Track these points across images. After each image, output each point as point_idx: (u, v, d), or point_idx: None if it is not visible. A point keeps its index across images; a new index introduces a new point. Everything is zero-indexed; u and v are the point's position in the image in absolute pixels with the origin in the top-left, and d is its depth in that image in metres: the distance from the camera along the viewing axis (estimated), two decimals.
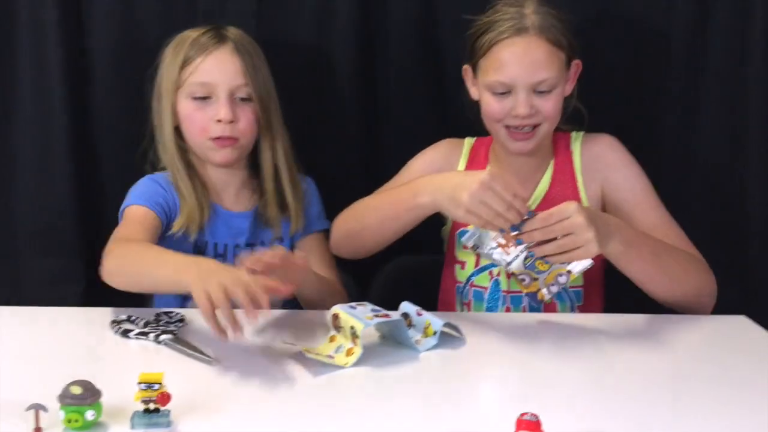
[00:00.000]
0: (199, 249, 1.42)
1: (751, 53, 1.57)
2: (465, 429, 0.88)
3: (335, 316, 1.12)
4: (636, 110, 1.63)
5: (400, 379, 1.05)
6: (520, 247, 1.14)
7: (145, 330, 1.16)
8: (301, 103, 1.59)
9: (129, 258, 1.23)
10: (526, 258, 1.14)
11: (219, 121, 1.37)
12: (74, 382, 0.86)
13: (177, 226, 1.38)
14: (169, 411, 0.88)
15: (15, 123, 1.62)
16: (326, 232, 1.50)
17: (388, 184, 1.45)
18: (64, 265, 1.63)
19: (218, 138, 1.38)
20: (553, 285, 1.15)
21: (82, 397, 0.85)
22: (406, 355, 1.11)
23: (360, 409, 0.95)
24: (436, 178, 1.25)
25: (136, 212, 1.38)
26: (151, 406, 0.87)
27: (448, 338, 1.15)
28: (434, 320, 1.14)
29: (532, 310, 1.39)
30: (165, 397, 0.86)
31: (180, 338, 1.13)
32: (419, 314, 1.16)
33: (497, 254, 1.17)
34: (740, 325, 1.26)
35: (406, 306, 1.17)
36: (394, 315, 1.14)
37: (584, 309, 1.41)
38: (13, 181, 1.63)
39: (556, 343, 1.20)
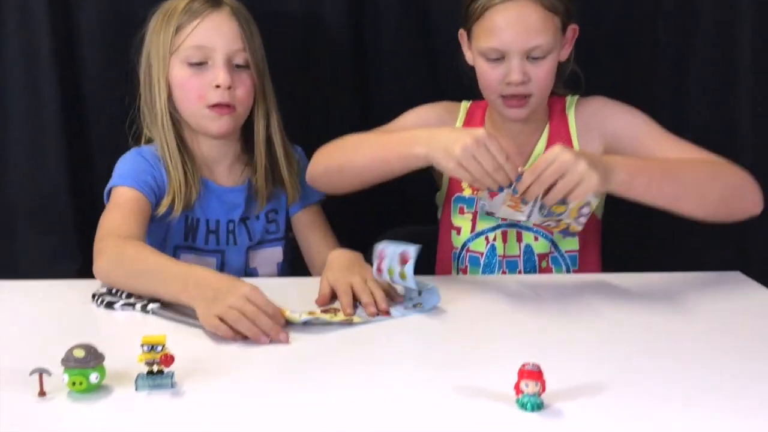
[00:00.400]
0: (190, 226, 1.41)
1: (743, 12, 1.57)
2: (468, 384, 0.89)
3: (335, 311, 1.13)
4: (628, 73, 1.64)
5: (402, 340, 1.06)
6: (530, 203, 1.13)
7: (130, 300, 1.15)
8: (292, 74, 1.59)
9: (124, 266, 1.19)
10: (540, 208, 1.14)
11: (217, 86, 1.33)
12: (77, 346, 0.86)
13: (164, 206, 1.35)
14: (172, 372, 0.88)
15: (4, 101, 1.61)
16: (321, 203, 1.50)
17: (377, 130, 1.42)
18: (59, 243, 1.63)
19: (216, 105, 1.34)
20: (579, 217, 1.14)
21: (86, 360, 0.85)
22: (407, 317, 1.12)
23: (363, 370, 0.96)
24: (434, 131, 1.23)
25: (125, 195, 1.33)
26: (155, 368, 0.87)
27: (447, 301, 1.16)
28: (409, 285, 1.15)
29: (528, 272, 1.40)
30: (168, 359, 0.87)
31: (167, 305, 1.13)
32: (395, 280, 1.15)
33: (512, 214, 1.17)
34: (735, 279, 1.28)
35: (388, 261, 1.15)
36: (394, 312, 1.14)
37: (580, 272, 1.42)
38: (5, 159, 1.62)
39: (553, 302, 1.21)
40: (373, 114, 1.68)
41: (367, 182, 1.32)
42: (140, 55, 1.41)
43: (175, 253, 1.41)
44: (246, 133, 1.46)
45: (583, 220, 1.15)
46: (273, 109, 1.44)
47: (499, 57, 1.31)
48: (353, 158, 1.32)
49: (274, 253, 1.48)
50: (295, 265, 1.53)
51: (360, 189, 1.34)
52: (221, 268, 1.43)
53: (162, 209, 1.35)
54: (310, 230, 1.48)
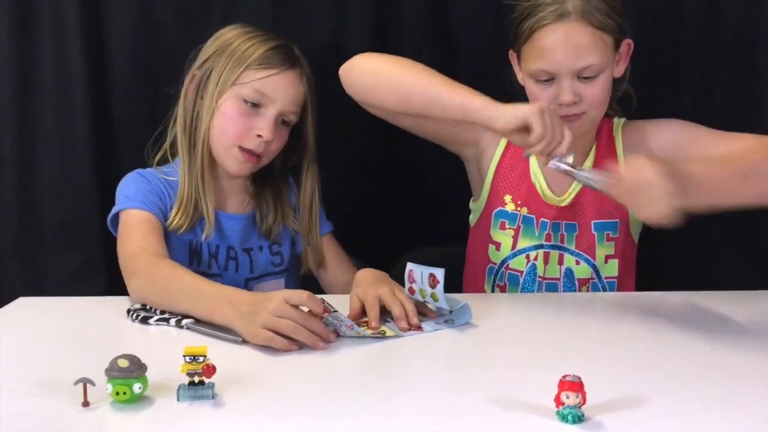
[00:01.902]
0: (194, 250, 1.41)
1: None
2: (507, 396, 0.90)
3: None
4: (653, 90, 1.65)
5: (438, 352, 1.07)
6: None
7: (165, 316, 1.16)
8: (318, 89, 1.61)
9: (158, 285, 1.20)
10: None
11: (258, 136, 1.35)
12: (121, 356, 0.87)
13: (169, 225, 1.36)
14: (213, 383, 0.89)
15: (36, 122, 1.63)
16: (332, 234, 1.51)
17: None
18: (86, 261, 1.64)
19: (248, 151, 1.36)
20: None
21: (130, 370, 0.86)
22: (439, 331, 1.13)
23: (401, 382, 0.97)
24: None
25: (136, 217, 1.34)
26: (196, 378, 0.88)
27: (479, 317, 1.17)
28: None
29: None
30: (210, 369, 0.88)
31: (201, 321, 1.14)
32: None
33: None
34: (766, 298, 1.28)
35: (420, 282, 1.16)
36: (425, 327, 1.14)
37: None
38: (36, 178, 1.65)
39: (591, 318, 1.21)
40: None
41: (412, 107, 1.29)
42: (197, 72, 1.40)
43: None
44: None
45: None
46: (318, 169, 1.47)
47: (549, 78, 1.30)
48: (410, 75, 1.30)
49: (276, 285, 1.48)
50: None
51: (396, 112, 1.32)
52: None
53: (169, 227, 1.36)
54: (327, 256, 1.49)
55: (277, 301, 1.05)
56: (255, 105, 1.36)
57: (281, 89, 1.36)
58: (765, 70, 1.59)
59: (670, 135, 1.37)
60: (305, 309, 1.06)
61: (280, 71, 1.36)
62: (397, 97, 1.31)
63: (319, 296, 1.07)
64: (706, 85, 1.64)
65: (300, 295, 1.06)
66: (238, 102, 1.35)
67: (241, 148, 1.36)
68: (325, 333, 1.05)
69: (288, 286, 1.49)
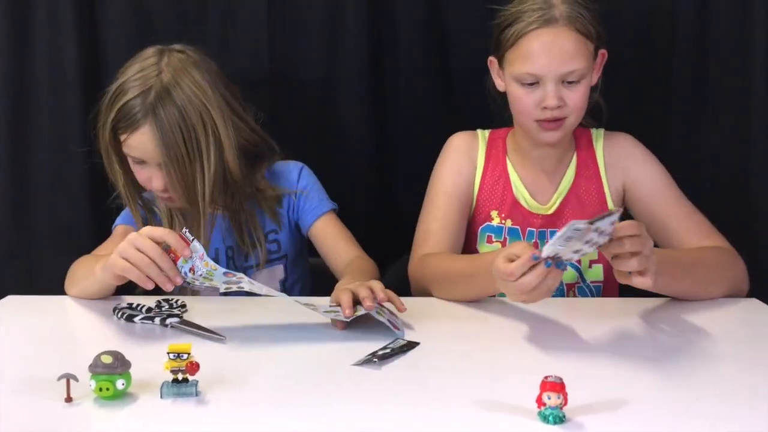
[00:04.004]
0: None
1: (754, 39, 1.60)
2: (489, 397, 0.90)
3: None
4: (643, 103, 1.66)
5: (422, 353, 1.06)
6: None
7: (150, 314, 1.17)
8: (314, 101, 1.62)
9: (71, 277, 1.33)
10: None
11: (164, 190, 1.36)
12: (104, 352, 0.87)
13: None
14: (197, 381, 0.89)
15: (30, 125, 1.64)
16: (333, 211, 1.49)
17: (428, 204, 1.43)
18: None
19: (165, 199, 1.39)
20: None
21: (113, 366, 0.86)
22: (423, 333, 1.13)
23: (385, 382, 0.96)
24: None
25: (120, 230, 1.43)
26: (180, 376, 0.88)
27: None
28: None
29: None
30: (194, 366, 0.88)
31: (186, 320, 1.15)
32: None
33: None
34: (751, 306, 1.28)
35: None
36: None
37: None
38: (29, 181, 1.66)
39: (575, 321, 1.20)
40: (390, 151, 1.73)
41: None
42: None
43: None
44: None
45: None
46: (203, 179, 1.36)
47: (534, 82, 1.32)
48: (457, 287, 1.29)
49: (275, 272, 1.49)
50: (316, 286, 1.55)
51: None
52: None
53: None
54: (326, 240, 1.47)
55: (139, 233, 1.12)
56: (140, 162, 1.35)
57: (138, 150, 1.33)
58: (755, 77, 1.60)
59: (649, 180, 1.41)
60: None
61: (129, 135, 1.33)
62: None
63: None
64: (698, 92, 1.65)
65: (162, 231, 1.12)
66: (131, 163, 1.38)
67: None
68: (172, 273, 1.10)
69: (289, 271, 1.50)
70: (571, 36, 1.29)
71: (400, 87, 1.70)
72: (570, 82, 1.31)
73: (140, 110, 1.31)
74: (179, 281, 1.11)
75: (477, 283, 1.24)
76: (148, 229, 1.13)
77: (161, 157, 1.32)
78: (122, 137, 1.34)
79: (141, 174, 1.37)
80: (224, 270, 1.12)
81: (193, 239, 1.11)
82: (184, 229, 1.13)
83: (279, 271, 1.49)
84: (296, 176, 1.49)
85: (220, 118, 1.34)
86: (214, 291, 1.18)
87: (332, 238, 1.47)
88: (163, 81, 1.32)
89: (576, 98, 1.32)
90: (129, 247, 1.11)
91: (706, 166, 1.66)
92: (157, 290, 1.16)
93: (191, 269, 1.11)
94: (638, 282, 1.07)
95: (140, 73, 1.33)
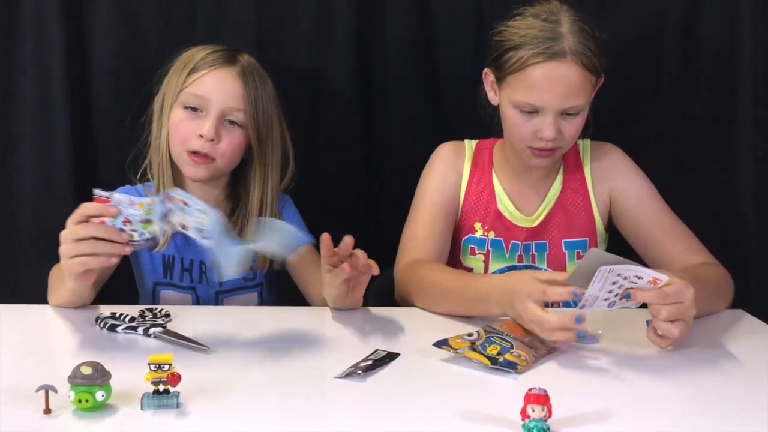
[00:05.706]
0: (167, 264, 1.43)
1: (741, 56, 1.61)
2: (473, 410, 0.89)
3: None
4: (630, 115, 1.67)
5: (405, 365, 1.05)
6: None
7: (133, 324, 1.16)
8: (302, 109, 1.61)
9: (49, 288, 1.31)
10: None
11: (201, 136, 1.34)
12: (84, 363, 0.86)
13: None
14: (178, 392, 0.88)
15: (16, 130, 1.63)
16: (312, 245, 1.46)
17: (414, 212, 1.43)
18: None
19: (195, 152, 1.35)
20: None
21: (93, 377, 0.85)
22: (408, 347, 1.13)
23: (367, 395, 0.96)
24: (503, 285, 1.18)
25: None
26: (161, 387, 0.87)
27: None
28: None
29: None
30: (175, 378, 0.87)
31: (170, 330, 1.14)
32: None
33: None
34: (738, 317, 1.29)
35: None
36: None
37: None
38: (15, 187, 1.64)
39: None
40: (377, 159, 1.72)
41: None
42: (158, 90, 1.42)
43: (155, 289, 1.44)
44: (233, 181, 1.46)
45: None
46: (271, 174, 1.43)
47: (533, 111, 1.29)
48: (445, 304, 1.27)
49: (249, 299, 1.47)
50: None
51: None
52: (196, 302, 1.44)
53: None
54: (304, 270, 1.45)
55: (66, 228, 1.09)
56: (195, 109, 1.36)
57: (215, 87, 1.35)
58: (743, 84, 1.61)
59: (634, 192, 1.41)
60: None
61: (213, 69, 1.36)
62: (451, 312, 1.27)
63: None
64: (687, 95, 1.66)
65: (78, 211, 1.09)
66: (180, 109, 1.37)
67: (190, 152, 1.36)
68: (116, 236, 1.06)
69: (264, 300, 1.48)
70: (577, 71, 1.26)
71: (388, 95, 1.69)
72: (569, 114, 1.29)
73: (228, 57, 1.38)
74: (126, 237, 1.06)
75: (465, 304, 1.24)
76: (69, 221, 1.09)
77: (244, 103, 1.36)
78: (202, 72, 1.35)
79: (191, 124, 1.34)
80: (164, 195, 1.07)
81: (109, 194, 1.07)
82: (95, 190, 1.09)
83: (253, 298, 1.48)
84: (279, 208, 1.48)
85: (283, 131, 1.45)
86: (153, 245, 1.13)
87: (313, 269, 1.42)
88: (250, 61, 1.41)
89: (572, 130, 1.31)
90: (67, 244, 1.08)
91: (692, 181, 1.67)
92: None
93: (125, 221, 1.07)
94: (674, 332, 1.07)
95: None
